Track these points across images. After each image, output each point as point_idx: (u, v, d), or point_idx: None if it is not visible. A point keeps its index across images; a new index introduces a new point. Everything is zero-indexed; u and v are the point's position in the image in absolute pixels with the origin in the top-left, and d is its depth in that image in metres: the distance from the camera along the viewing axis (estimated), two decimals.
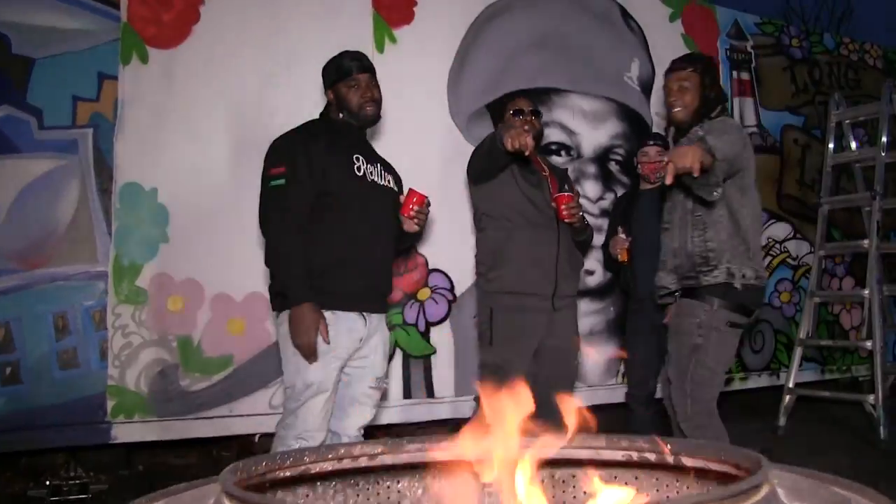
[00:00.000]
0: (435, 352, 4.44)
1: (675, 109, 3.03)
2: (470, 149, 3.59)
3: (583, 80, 5.09)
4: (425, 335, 4.44)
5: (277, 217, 2.63)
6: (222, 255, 3.86)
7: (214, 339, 3.85)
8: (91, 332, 3.62)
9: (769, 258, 5.88)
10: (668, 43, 5.53)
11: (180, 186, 3.83)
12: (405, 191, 2.93)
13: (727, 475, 1.28)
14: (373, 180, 2.83)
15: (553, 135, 4.94)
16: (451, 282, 4.50)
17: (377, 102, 2.89)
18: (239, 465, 1.30)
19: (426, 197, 2.83)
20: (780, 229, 6.01)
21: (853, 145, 5.91)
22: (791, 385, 5.33)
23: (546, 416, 1.49)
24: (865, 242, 5.33)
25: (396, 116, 4.42)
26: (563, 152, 4.98)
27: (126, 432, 3.66)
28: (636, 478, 1.47)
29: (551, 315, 3.35)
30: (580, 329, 4.72)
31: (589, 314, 4.93)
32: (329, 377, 2.65)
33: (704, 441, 1.38)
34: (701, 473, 1.36)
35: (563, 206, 3.26)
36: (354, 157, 2.80)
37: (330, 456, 1.48)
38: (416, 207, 2.80)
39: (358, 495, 1.48)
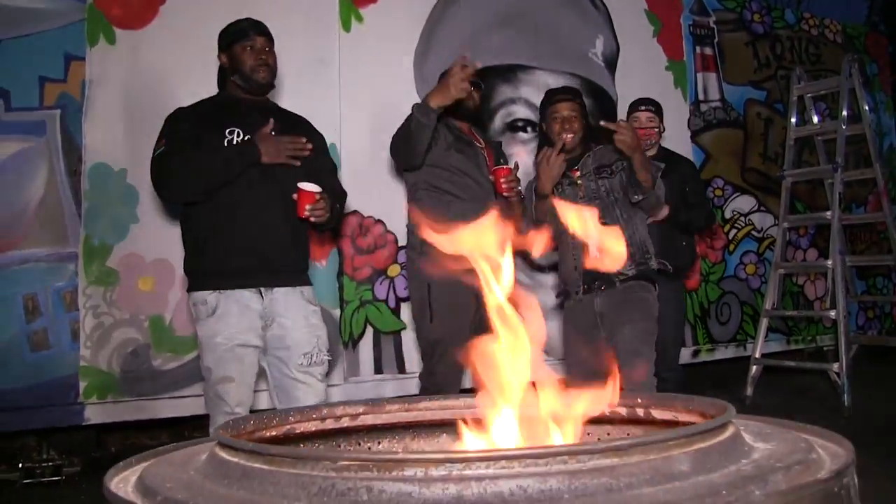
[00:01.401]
0: (405, 327, 4.47)
1: (570, 136, 3.33)
2: None
3: (548, 57, 5.15)
4: (395, 311, 4.48)
5: (166, 173, 2.67)
6: None
7: (185, 318, 3.85)
8: (62, 314, 3.62)
9: (734, 231, 5.99)
10: (632, 19, 5.61)
11: (149, 167, 3.81)
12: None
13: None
14: None
15: (519, 111, 5.01)
16: None
17: (271, 69, 2.86)
18: (229, 423, 1.33)
19: (316, 192, 2.72)
20: (745, 202, 6.13)
21: (815, 119, 6.02)
22: (757, 356, 5.43)
23: None
24: (828, 214, 5.44)
25: (362, 96, 4.46)
26: (528, 129, 5.03)
27: (98, 413, 3.66)
28: (608, 433, 1.50)
29: None
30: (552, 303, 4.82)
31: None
32: (224, 362, 2.65)
33: (672, 394, 1.43)
34: (672, 425, 1.38)
35: (501, 180, 3.28)
36: (228, 130, 2.76)
37: (314, 416, 1.51)
38: (308, 206, 2.70)
39: None
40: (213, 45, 2.83)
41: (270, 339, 2.75)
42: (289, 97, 4.16)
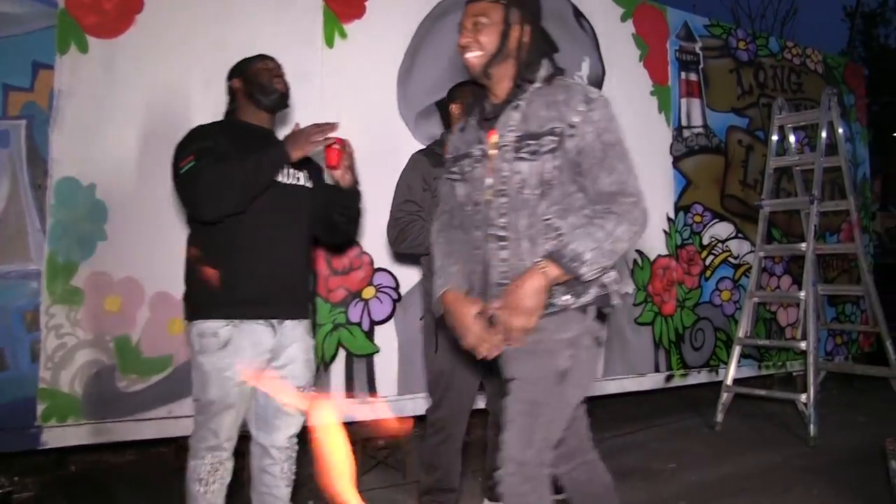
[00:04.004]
0: (378, 351, 4.38)
1: (468, 54, 2.20)
2: (418, 146, 3.50)
3: None
4: (369, 334, 4.38)
5: (203, 186, 2.50)
6: (163, 253, 3.68)
7: (154, 339, 3.72)
8: (22, 334, 3.45)
9: (711, 257, 5.99)
10: (618, 43, 5.56)
11: (120, 182, 3.67)
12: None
13: None
14: (276, 179, 2.69)
15: None
16: (396, 281, 4.44)
17: (286, 84, 2.83)
18: None
19: (343, 141, 2.71)
20: (723, 229, 6.12)
21: (793, 148, 6.03)
22: (729, 382, 5.47)
23: None
24: (803, 246, 5.47)
25: (343, 113, 4.32)
26: None
27: (57, 437, 3.50)
28: None
29: None
30: None
31: None
32: (229, 394, 2.59)
33: None
34: None
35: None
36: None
37: None
38: (339, 155, 2.69)
39: None
40: (192, 58, 2.76)
41: (270, 370, 2.70)
42: None
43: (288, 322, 2.72)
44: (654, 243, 5.62)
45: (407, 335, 4.41)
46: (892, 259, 9.04)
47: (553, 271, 2.03)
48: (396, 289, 4.46)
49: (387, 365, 4.40)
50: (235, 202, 2.55)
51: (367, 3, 4.51)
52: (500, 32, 2.17)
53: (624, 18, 5.62)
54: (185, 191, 2.58)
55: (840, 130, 5.79)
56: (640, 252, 5.51)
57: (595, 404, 5.42)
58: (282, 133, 2.83)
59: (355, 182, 2.85)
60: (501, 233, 2.17)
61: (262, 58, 2.83)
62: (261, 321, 2.63)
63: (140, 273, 3.69)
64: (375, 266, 4.38)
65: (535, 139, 2.11)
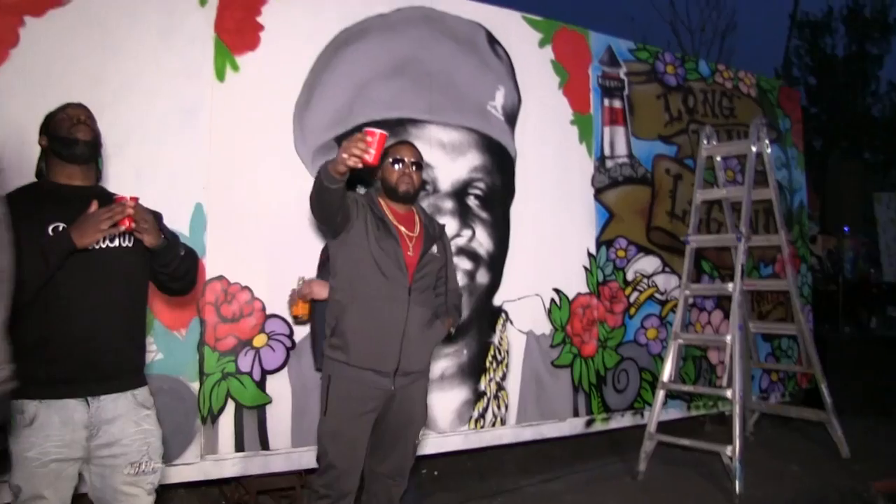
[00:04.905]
0: (270, 401, 4.08)
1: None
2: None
3: (442, 110, 4.75)
4: (260, 384, 4.07)
5: None
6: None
7: None
8: None
9: (636, 293, 5.73)
10: (536, 70, 5.28)
11: None
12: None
13: None
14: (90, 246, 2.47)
15: None
16: (289, 328, 4.13)
17: (91, 129, 2.60)
18: None
19: (130, 199, 2.47)
20: (649, 263, 5.85)
21: (721, 180, 5.81)
22: (652, 430, 5.20)
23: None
24: (730, 286, 5.21)
25: (233, 150, 4.04)
26: None
27: None
28: None
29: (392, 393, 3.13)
30: (433, 373, 4.47)
31: (441, 357, 4.65)
32: (35, 479, 2.37)
33: None
34: None
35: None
36: (52, 226, 2.46)
37: None
38: (129, 220, 2.44)
39: None
40: (69, 95, 2.60)
41: (95, 448, 2.49)
42: (154, 152, 3.82)
43: (106, 396, 2.51)
44: (574, 281, 5.34)
45: (301, 385, 4.14)
46: (834, 285, 8.87)
47: None
48: (290, 336, 4.16)
49: (280, 416, 4.12)
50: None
51: (261, 34, 4.19)
52: None
53: (542, 44, 5.33)
54: None
55: (768, 162, 5.58)
56: (557, 290, 5.23)
57: (514, 447, 5.23)
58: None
59: (160, 241, 2.59)
60: None
61: (66, 106, 2.63)
62: (71, 399, 2.44)
63: None
64: (268, 312, 4.09)
65: None
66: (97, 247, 2.50)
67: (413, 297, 3.11)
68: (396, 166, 3.18)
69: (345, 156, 2.65)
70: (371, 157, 2.65)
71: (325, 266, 3.50)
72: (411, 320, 3.11)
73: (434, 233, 3.30)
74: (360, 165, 2.66)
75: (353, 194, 3.15)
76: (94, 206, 2.44)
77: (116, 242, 2.57)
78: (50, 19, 3.61)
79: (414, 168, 3.21)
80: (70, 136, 2.54)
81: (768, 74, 8.02)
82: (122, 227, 2.45)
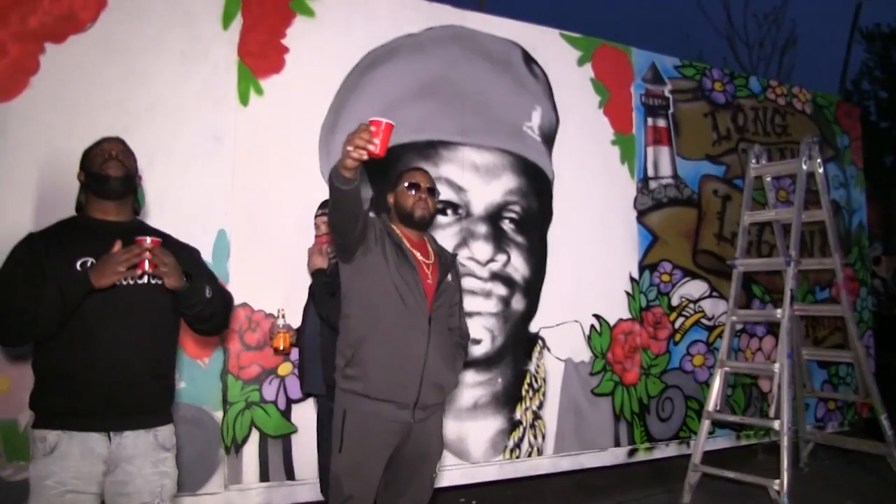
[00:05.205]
0: (296, 431, 4.01)
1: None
2: None
3: (475, 131, 4.65)
4: (285, 413, 4.01)
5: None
6: None
7: None
8: None
9: (682, 319, 5.51)
10: (575, 89, 5.14)
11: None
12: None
13: None
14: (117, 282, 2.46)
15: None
16: None
17: (123, 165, 2.59)
18: None
19: (151, 241, 2.45)
20: (695, 287, 5.63)
21: (771, 200, 5.55)
22: (697, 461, 4.96)
23: None
24: (778, 313, 4.95)
25: (257, 177, 4.00)
26: (449, 211, 4.54)
27: None
28: None
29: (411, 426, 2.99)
30: (465, 402, 4.35)
31: (474, 386, 4.52)
32: None
33: None
34: None
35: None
36: (80, 261, 2.46)
37: None
38: (148, 258, 2.41)
39: None
40: (91, 123, 2.65)
41: (109, 484, 2.47)
42: (177, 178, 3.81)
43: (128, 433, 2.49)
44: (615, 306, 5.16)
45: None
46: None
47: None
48: None
49: (305, 445, 4.01)
50: (23, 334, 2.42)
51: (286, 56, 4.16)
52: None
53: (581, 62, 5.19)
54: None
55: (820, 182, 5.31)
56: (598, 316, 5.06)
57: (555, 477, 5.06)
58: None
59: (182, 283, 2.54)
60: None
61: (102, 141, 2.64)
62: (93, 433, 2.43)
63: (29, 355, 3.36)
64: (292, 341, 3.99)
65: None
66: (125, 283, 2.49)
67: (433, 327, 2.99)
68: (412, 192, 3.06)
69: (349, 148, 2.47)
70: (376, 147, 2.45)
71: (314, 298, 3.49)
72: (432, 350, 2.98)
73: (447, 261, 3.18)
74: (365, 157, 2.47)
75: (371, 216, 3.05)
76: (117, 247, 2.42)
77: (146, 279, 2.55)
78: (71, 45, 3.64)
79: (429, 194, 3.10)
80: (101, 173, 2.55)
81: (833, 89, 7.69)
82: (140, 271, 2.43)
